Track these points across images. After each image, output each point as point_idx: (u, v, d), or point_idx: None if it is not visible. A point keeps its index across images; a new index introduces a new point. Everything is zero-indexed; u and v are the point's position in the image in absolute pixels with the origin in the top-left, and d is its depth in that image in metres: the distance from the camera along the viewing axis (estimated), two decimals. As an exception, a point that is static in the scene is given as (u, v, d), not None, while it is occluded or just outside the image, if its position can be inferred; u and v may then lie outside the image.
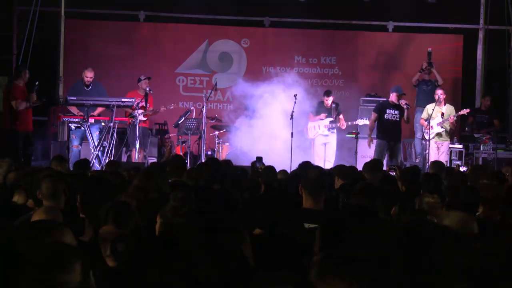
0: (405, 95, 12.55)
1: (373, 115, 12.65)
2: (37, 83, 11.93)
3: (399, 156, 12.34)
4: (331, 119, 13.01)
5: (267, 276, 2.62)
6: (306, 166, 7.30)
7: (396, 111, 12.32)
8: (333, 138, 13.09)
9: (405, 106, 12.36)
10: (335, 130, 13.07)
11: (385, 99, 13.24)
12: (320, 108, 13.12)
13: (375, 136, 12.67)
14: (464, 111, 12.79)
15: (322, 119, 13.04)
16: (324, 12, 15.29)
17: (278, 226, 4.31)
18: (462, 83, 15.47)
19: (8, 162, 7.13)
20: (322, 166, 11.93)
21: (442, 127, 12.52)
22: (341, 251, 2.49)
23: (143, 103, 12.34)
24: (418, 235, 3.12)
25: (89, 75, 12.38)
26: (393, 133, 12.32)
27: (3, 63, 14.21)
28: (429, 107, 12.77)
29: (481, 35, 15.19)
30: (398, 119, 12.34)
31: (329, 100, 13.07)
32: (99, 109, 12.35)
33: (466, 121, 14.23)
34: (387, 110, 12.32)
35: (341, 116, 13.08)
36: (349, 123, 13.03)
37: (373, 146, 12.68)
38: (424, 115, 12.82)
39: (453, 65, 15.37)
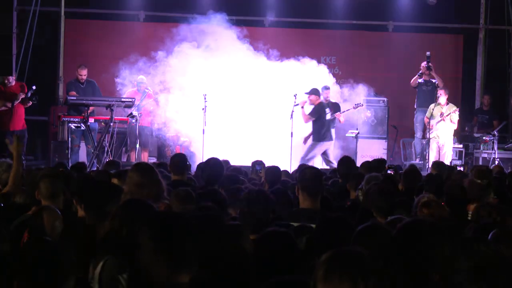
0: (312, 94, 12.39)
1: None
2: (33, 87, 12.05)
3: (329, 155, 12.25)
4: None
5: (281, 279, 2.60)
6: (302, 167, 7.27)
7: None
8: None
9: (301, 104, 12.24)
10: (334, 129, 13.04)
11: (385, 99, 13.25)
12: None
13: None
14: (455, 111, 12.76)
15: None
16: (324, 12, 15.28)
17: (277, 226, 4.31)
18: (462, 83, 15.47)
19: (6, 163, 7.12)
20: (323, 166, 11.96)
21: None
22: (346, 252, 2.48)
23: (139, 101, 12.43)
24: (419, 235, 3.11)
25: (82, 73, 12.39)
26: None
27: (3, 63, 14.22)
28: (432, 106, 12.82)
29: (481, 35, 15.19)
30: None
31: (328, 93, 12.97)
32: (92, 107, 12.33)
33: (469, 121, 14.24)
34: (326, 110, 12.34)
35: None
36: (344, 111, 12.86)
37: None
38: (428, 114, 12.87)
39: (453, 65, 15.37)
